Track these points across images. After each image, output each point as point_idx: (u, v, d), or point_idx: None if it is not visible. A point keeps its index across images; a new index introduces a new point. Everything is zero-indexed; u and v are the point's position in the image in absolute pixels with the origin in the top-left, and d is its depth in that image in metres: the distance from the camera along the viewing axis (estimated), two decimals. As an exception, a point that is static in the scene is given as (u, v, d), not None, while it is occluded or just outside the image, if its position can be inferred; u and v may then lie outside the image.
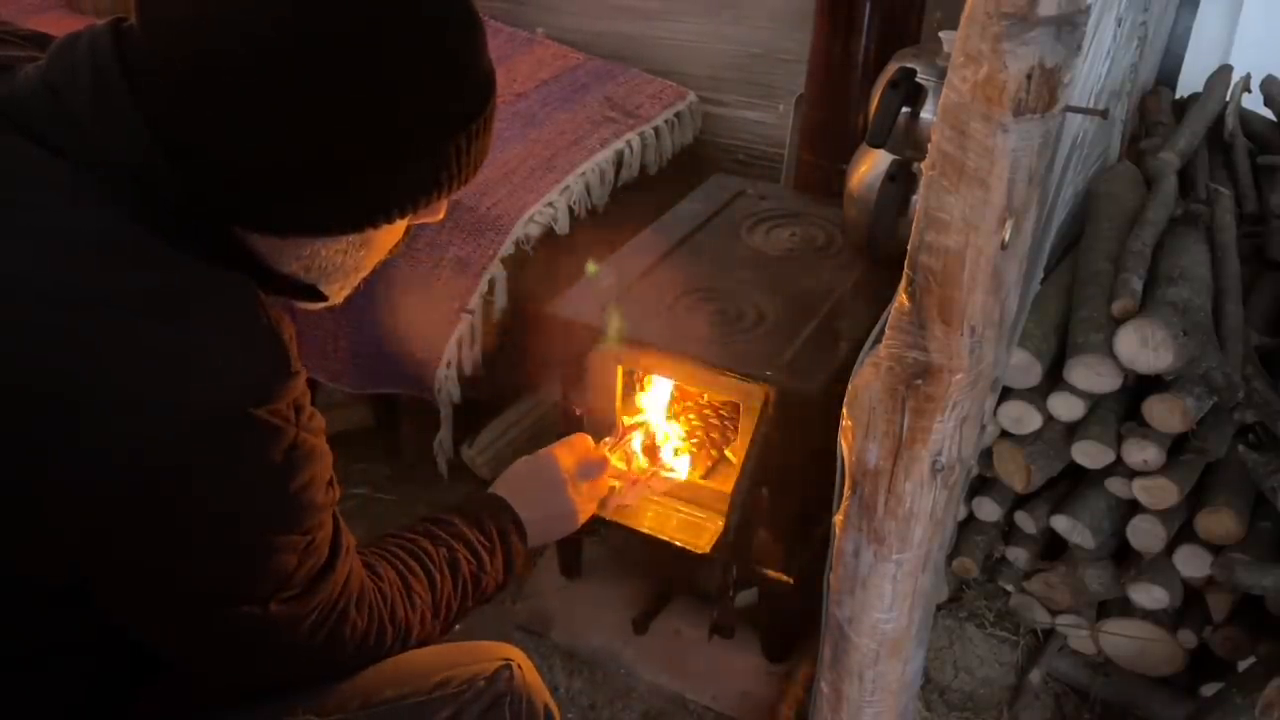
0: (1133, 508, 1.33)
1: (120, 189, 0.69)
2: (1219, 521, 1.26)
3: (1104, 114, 1.12)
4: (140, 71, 0.69)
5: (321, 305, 0.84)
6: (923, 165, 0.81)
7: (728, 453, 1.47)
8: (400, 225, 0.83)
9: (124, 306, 0.67)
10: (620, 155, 1.91)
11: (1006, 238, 0.81)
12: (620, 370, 1.40)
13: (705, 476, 1.45)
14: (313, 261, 0.79)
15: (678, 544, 1.39)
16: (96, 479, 0.66)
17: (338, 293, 0.85)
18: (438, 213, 0.85)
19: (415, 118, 0.73)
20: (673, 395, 1.46)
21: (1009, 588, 1.53)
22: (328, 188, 0.73)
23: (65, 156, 0.69)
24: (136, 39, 0.71)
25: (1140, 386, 1.31)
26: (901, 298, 0.88)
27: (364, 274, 0.86)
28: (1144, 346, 1.24)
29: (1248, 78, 1.93)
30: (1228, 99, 1.91)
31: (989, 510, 1.44)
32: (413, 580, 0.94)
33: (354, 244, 0.80)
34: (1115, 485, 1.33)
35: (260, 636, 0.79)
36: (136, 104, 0.69)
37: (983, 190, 0.78)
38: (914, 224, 0.84)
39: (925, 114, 1.41)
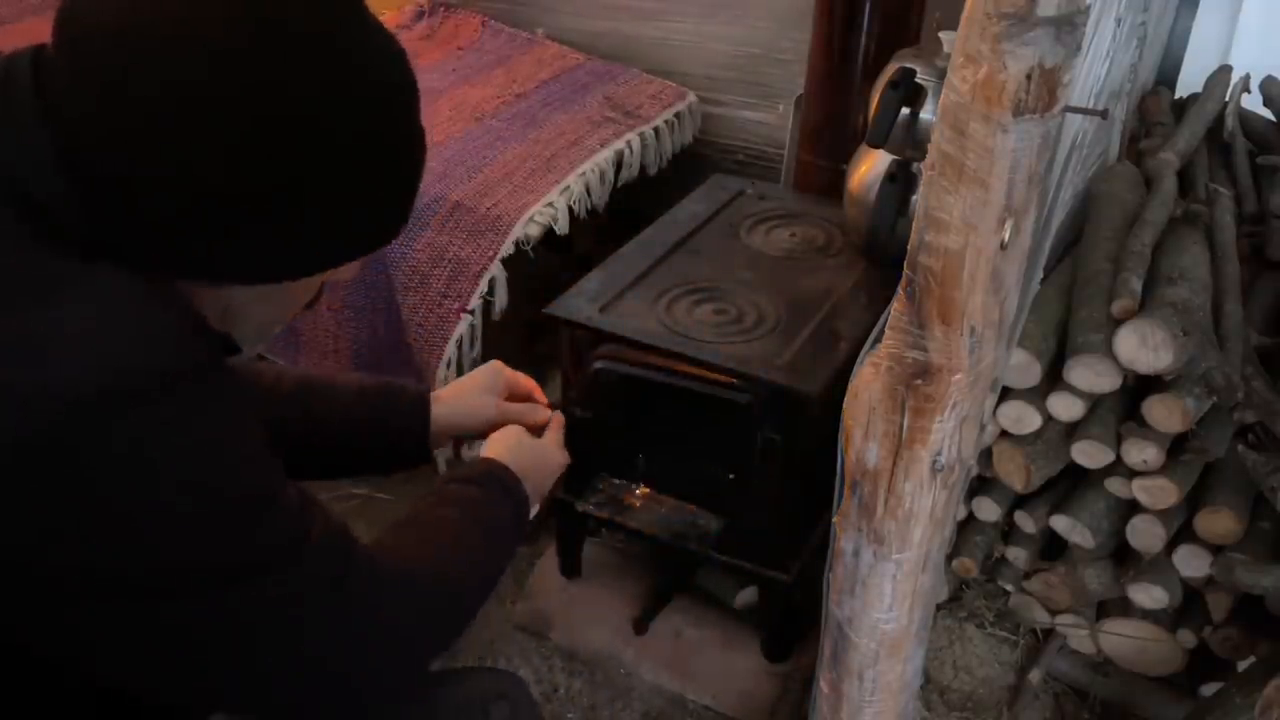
0: (1132, 508, 1.33)
1: (13, 204, 0.64)
2: (1218, 521, 1.26)
3: (1103, 114, 1.12)
4: (53, 98, 0.65)
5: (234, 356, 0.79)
6: (923, 165, 0.82)
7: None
8: (316, 280, 0.79)
9: None
10: (620, 155, 1.91)
11: (1006, 238, 0.81)
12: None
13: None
14: (225, 313, 0.75)
15: (678, 544, 1.39)
16: None
17: (251, 345, 0.81)
18: (351, 270, 0.82)
19: (342, 176, 0.70)
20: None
21: (1009, 588, 1.53)
22: (244, 237, 0.69)
23: None
24: (53, 64, 0.66)
25: (1140, 386, 1.31)
26: (901, 298, 0.88)
27: (279, 327, 0.83)
28: (1143, 346, 1.24)
29: (1247, 78, 1.93)
30: (1227, 99, 1.91)
31: (989, 510, 1.45)
32: (411, 529, 0.90)
33: (268, 296, 0.76)
34: (1115, 485, 1.34)
35: (251, 628, 0.69)
36: (48, 129, 0.64)
37: (982, 190, 0.78)
38: (914, 224, 0.84)
39: (925, 114, 1.41)
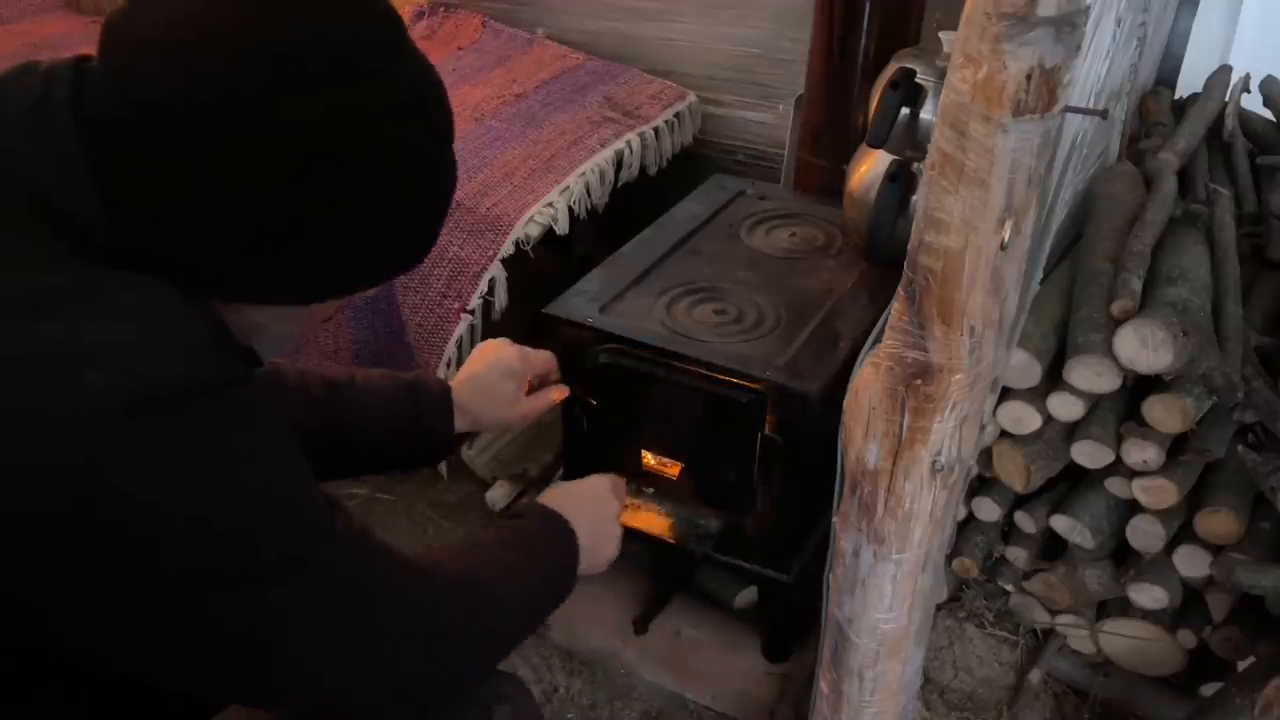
0: (1132, 508, 1.33)
1: (46, 216, 0.64)
2: (1218, 521, 1.26)
3: (1103, 114, 1.12)
4: (93, 112, 0.65)
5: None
6: (923, 165, 0.82)
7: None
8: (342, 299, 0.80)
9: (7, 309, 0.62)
10: (620, 155, 1.91)
11: (1006, 238, 0.81)
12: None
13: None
14: (248, 327, 0.76)
15: (678, 544, 1.39)
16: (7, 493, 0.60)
17: (267, 358, 0.81)
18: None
19: (376, 205, 0.71)
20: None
21: (1009, 588, 1.53)
22: (278, 259, 0.69)
23: None
24: (94, 75, 0.66)
25: (1140, 386, 1.31)
26: (901, 298, 0.88)
27: (293, 343, 0.85)
28: (1143, 346, 1.24)
29: (1247, 78, 1.93)
30: (1227, 99, 1.91)
31: (989, 510, 1.45)
32: (452, 549, 0.92)
33: (292, 315, 0.77)
34: (1115, 485, 1.34)
35: (271, 626, 0.70)
36: (83, 141, 0.64)
37: (982, 190, 0.79)
38: (914, 224, 0.84)
39: (925, 114, 1.41)
